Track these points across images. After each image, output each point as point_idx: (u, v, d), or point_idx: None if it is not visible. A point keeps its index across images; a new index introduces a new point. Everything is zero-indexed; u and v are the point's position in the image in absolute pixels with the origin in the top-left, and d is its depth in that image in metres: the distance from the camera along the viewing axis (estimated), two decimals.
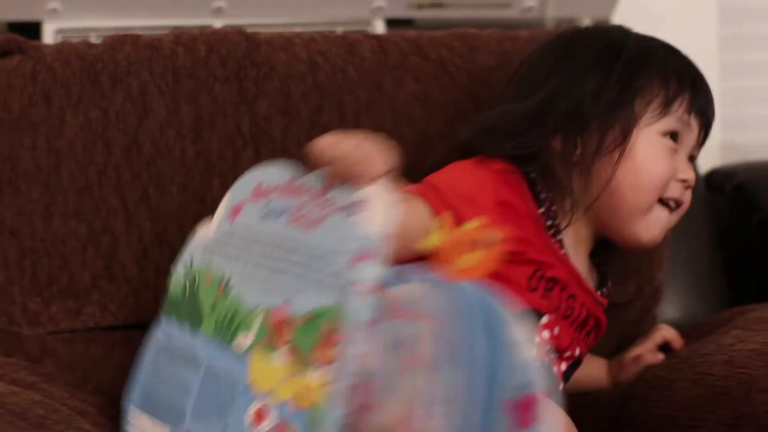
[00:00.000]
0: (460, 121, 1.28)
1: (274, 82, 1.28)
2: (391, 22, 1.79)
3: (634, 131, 1.13)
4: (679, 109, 1.15)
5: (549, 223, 1.13)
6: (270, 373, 0.87)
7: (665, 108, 1.14)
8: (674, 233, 1.39)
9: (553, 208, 1.14)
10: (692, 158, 1.20)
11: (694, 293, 1.47)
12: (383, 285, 0.85)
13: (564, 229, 1.14)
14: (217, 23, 1.69)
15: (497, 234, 0.93)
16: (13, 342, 1.22)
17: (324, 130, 1.24)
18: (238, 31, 1.33)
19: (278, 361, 0.87)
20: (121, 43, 1.30)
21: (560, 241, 1.13)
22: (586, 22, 1.91)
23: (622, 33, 1.21)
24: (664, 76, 1.15)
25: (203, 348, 0.94)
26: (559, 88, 1.14)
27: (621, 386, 1.23)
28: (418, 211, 1.01)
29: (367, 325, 0.83)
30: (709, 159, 1.88)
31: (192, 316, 0.96)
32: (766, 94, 2.03)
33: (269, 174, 0.98)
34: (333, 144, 0.91)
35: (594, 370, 1.29)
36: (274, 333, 0.88)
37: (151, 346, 1.03)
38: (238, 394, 0.89)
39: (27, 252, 1.21)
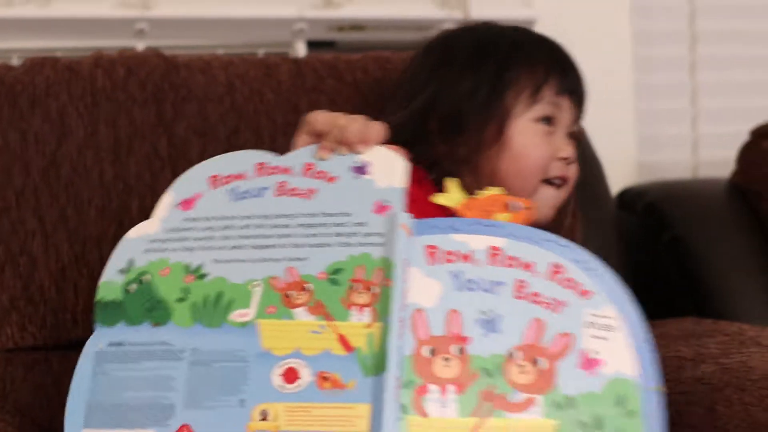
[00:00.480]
0: None
1: (192, 105, 1.31)
2: (313, 44, 1.82)
3: (509, 123, 1.20)
4: (548, 94, 1.21)
5: None
6: (290, 333, 0.91)
7: (534, 96, 1.21)
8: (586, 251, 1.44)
9: None
10: (573, 135, 1.26)
11: None
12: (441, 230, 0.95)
13: None
14: (140, 45, 1.70)
15: (521, 202, 1.00)
16: None
17: None
18: (157, 54, 1.35)
19: (298, 320, 0.92)
20: (41, 65, 1.31)
21: None
22: None
23: (490, 30, 1.28)
24: (531, 65, 1.22)
25: (179, 338, 0.93)
26: (436, 92, 1.22)
27: None
28: None
29: (419, 263, 0.93)
30: (626, 177, 1.93)
31: (151, 313, 0.95)
32: (680, 115, 2.09)
33: (221, 165, 1.02)
34: (329, 116, 1.02)
35: None
36: (282, 297, 0.92)
37: (86, 361, 0.97)
38: (252, 362, 0.91)
39: None
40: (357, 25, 1.81)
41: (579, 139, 1.27)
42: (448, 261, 0.94)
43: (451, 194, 1.01)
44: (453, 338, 0.91)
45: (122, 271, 0.97)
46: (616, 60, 1.99)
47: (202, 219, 0.97)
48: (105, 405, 0.93)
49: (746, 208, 1.67)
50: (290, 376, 0.90)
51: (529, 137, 1.20)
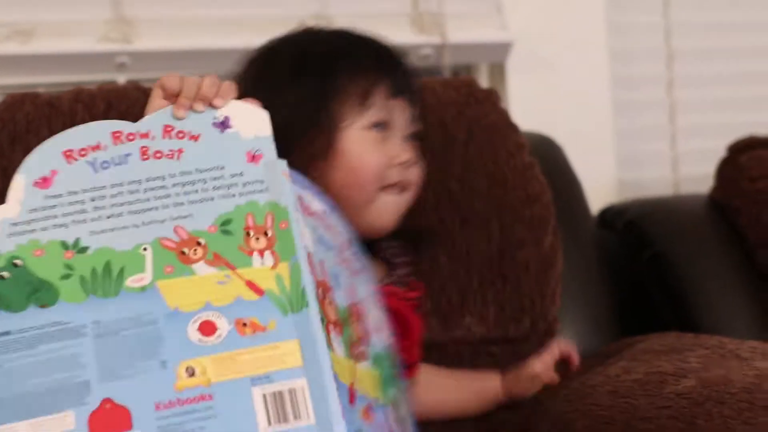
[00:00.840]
0: None
1: None
2: None
3: (338, 133, 1.15)
4: (378, 99, 1.16)
5: None
6: (196, 288, 0.88)
7: (363, 103, 1.16)
8: (567, 269, 1.45)
9: None
10: (413, 136, 1.21)
11: (588, 327, 1.52)
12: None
13: None
14: (122, 78, 1.72)
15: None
16: None
17: None
18: (136, 87, 1.36)
19: (200, 274, 0.89)
20: (21, 102, 1.33)
21: None
22: (482, 68, 1.97)
23: (311, 38, 1.24)
24: (356, 72, 1.16)
25: (74, 314, 0.87)
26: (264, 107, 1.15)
27: (519, 419, 1.27)
28: None
29: (299, 208, 0.93)
30: (606, 196, 1.95)
31: (35, 296, 0.88)
32: (658, 132, 2.11)
33: (73, 138, 0.96)
34: (180, 77, 0.98)
35: (488, 384, 1.33)
36: (178, 255, 0.90)
37: None
38: (163, 323, 0.87)
39: None
40: None
41: (421, 138, 1.23)
42: (304, 214, 0.94)
43: None
44: (324, 285, 0.91)
45: None
46: (593, 79, 2.01)
47: (66, 194, 0.91)
48: (6, 399, 0.86)
49: (725, 223, 1.68)
50: (207, 328, 0.87)
51: (360, 146, 1.15)
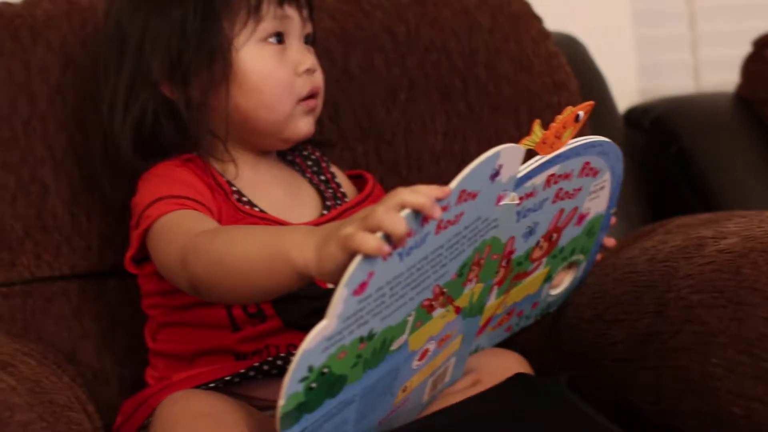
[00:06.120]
0: (378, 53, 1.34)
1: None
2: None
3: (234, 53, 1.09)
4: (270, 8, 1.09)
5: (234, 190, 1.11)
6: (428, 329, 0.93)
7: (255, 16, 1.09)
8: None
9: (216, 164, 1.12)
10: (308, 38, 1.16)
11: (620, 220, 1.51)
12: None
13: (236, 177, 1.12)
14: None
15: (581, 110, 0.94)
16: None
17: None
18: None
19: (434, 316, 0.92)
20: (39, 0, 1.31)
21: (242, 198, 1.11)
22: None
23: None
24: None
25: (351, 391, 0.88)
26: (145, 35, 1.10)
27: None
28: (198, 218, 1.02)
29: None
30: (628, 103, 1.93)
31: (329, 391, 0.86)
32: (679, 41, 2.08)
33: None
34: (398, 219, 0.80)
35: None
36: (428, 309, 0.90)
37: None
38: (402, 366, 0.93)
39: None
40: None
41: (314, 39, 1.18)
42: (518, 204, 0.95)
43: (533, 135, 0.93)
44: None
45: (303, 380, 0.83)
46: None
47: (374, 292, 0.82)
48: None
49: (753, 117, 1.67)
50: (423, 354, 0.93)
51: (261, 62, 1.09)
